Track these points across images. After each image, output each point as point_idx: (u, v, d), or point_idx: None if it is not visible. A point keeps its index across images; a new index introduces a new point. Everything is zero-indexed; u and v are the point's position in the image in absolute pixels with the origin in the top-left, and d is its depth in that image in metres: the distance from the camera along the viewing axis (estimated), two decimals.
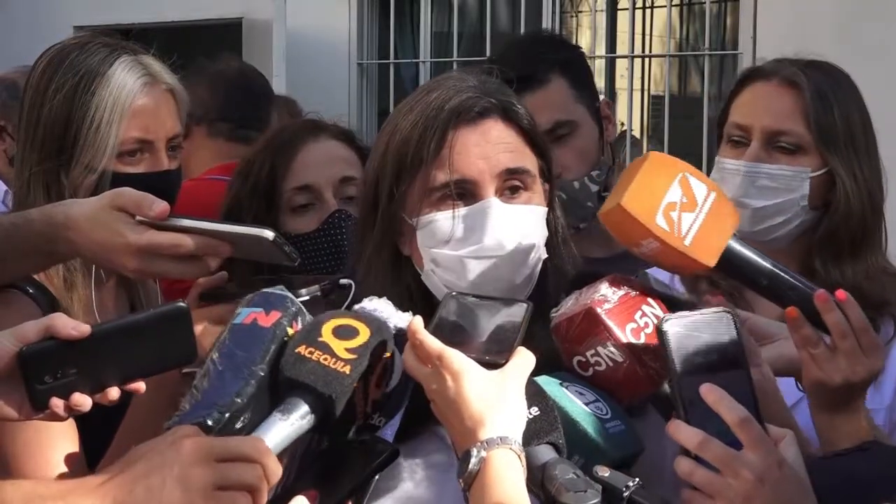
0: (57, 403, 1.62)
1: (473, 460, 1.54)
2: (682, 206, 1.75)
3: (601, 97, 3.10)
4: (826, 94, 2.35)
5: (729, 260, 1.81)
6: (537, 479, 1.58)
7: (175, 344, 1.62)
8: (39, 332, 1.62)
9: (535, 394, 1.65)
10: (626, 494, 1.57)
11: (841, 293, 1.88)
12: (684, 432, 1.60)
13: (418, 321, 1.64)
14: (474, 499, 1.55)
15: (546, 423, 1.63)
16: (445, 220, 1.84)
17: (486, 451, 1.55)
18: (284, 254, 1.92)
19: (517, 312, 1.66)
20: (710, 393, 1.60)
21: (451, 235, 1.83)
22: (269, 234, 1.91)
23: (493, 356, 1.61)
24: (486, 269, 1.82)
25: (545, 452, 1.61)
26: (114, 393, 1.67)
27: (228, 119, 3.87)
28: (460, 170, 1.83)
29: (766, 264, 1.87)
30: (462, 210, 1.84)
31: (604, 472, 1.60)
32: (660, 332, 1.66)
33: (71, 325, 1.61)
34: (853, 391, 1.91)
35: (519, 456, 1.56)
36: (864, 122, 2.39)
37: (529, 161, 1.88)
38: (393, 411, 1.69)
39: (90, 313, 2.32)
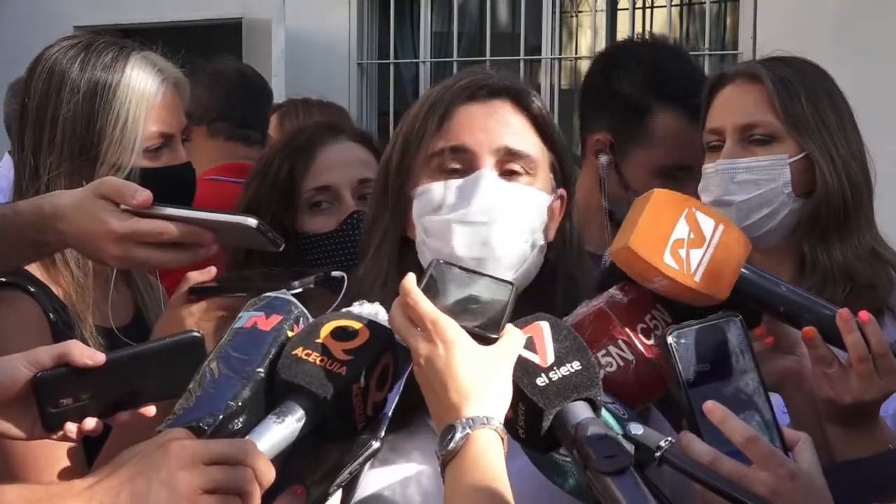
0: (70, 428, 1.63)
1: (457, 437, 1.49)
2: (690, 242, 1.73)
3: None
4: (789, 82, 2.35)
5: (743, 289, 1.79)
6: (570, 438, 1.53)
7: (188, 371, 1.60)
8: (54, 358, 1.62)
9: (577, 349, 1.60)
10: (658, 454, 1.52)
11: (864, 314, 1.86)
12: (696, 448, 1.57)
13: (411, 280, 1.59)
14: (451, 476, 1.50)
15: (586, 378, 1.57)
16: (439, 189, 1.84)
17: (470, 429, 1.49)
18: (269, 240, 1.93)
19: (503, 290, 1.62)
20: (714, 412, 1.58)
21: (442, 202, 1.83)
22: (252, 221, 1.93)
23: (484, 329, 1.57)
24: (471, 236, 1.80)
25: (581, 411, 1.55)
26: (124, 416, 1.67)
27: (228, 118, 3.87)
28: (459, 138, 1.84)
29: (782, 290, 1.85)
30: (457, 181, 1.84)
31: (637, 429, 1.55)
32: (664, 344, 1.65)
33: (86, 354, 1.61)
34: (864, 409, 1.90)
35: (502, 438, 1.52)
36: (835, 105, 2.37)
37: (534, 148, 1.87)
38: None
39: (99, 314, 2.32)
